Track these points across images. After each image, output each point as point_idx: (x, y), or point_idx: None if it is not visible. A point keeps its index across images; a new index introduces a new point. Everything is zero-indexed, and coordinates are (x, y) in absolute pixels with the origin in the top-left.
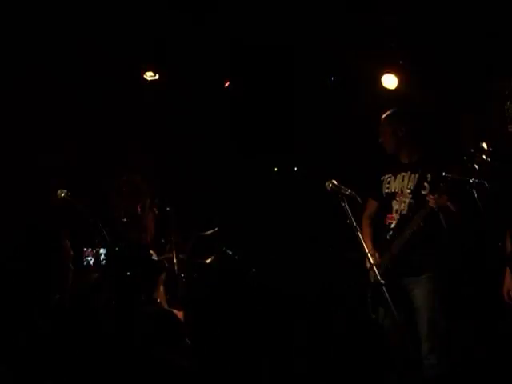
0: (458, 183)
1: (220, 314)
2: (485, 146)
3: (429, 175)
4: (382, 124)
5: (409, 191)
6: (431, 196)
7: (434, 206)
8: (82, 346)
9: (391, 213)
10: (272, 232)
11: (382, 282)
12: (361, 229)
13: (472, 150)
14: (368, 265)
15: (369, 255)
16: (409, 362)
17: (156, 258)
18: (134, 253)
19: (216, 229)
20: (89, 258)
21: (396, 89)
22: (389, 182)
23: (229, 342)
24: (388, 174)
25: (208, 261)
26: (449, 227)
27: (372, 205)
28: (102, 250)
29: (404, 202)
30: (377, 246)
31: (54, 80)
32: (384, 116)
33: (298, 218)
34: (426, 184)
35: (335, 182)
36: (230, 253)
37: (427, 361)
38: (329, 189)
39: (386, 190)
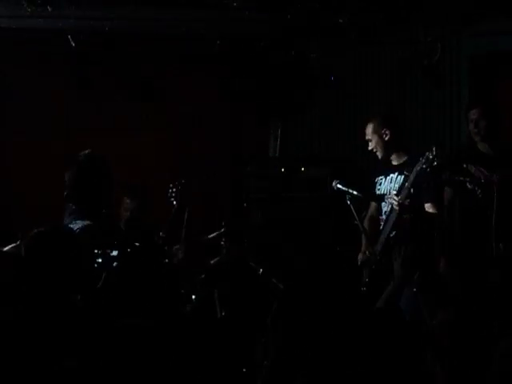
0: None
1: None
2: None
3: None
4: (367, 133)
5: (394, 192)
6: (395, 198)
7: (396, 209)
8: None
9: (381, 215)
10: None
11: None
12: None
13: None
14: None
15: (360, 254)
16: None
17: None
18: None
19: (222, 230)
20: (99, 260)
21: None
22: (380, 184)
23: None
24: (380, 175)
25: (213, 261)
26: (422, 229)
27: (372, 206)
28: (114, 252)
29: (391, 203)
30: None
31: None
32: (368, 125)
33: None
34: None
35: (339, 184)
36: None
37: None
38: (335, 188)
39: (378, 192)
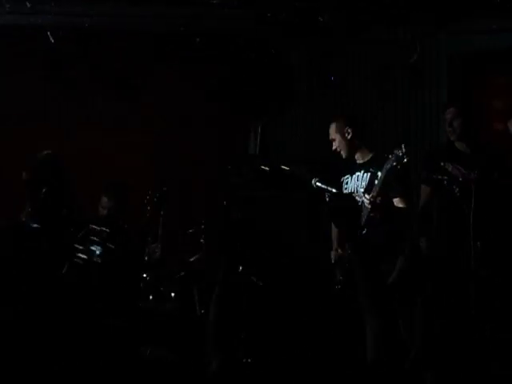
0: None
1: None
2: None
3: (379, 173)
4: (331, 133)
5: (362, 190)
6: (366, 196)
7: (368, 206)
8: None
9: None
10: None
11: (341, 278)
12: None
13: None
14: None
15: (332, 252)
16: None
17: None
18: None
19: (202, 227)
20: (81, 256)
21: None
22: (346, 183)
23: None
24: (346, 174)
25: (192, 259)
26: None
27: None
28: (95, 248)
29: (358, 201)
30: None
31: None
32: (331, 125)
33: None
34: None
35: (318, 182)
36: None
37: None
38: (315, 186)
39: (345, 191)
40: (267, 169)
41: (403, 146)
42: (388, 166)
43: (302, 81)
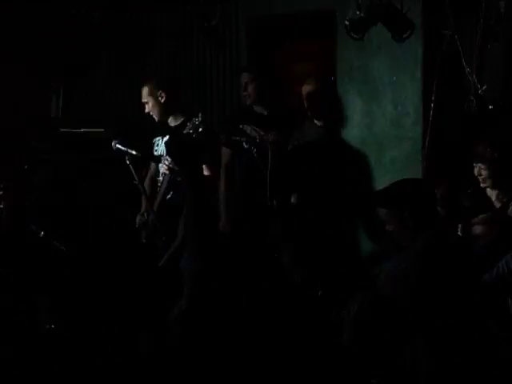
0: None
1: None
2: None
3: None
4: (143, 96)
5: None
6: (165, 161)
7: (167, 172)
8: None
9: (159, 176)
10: None
11: (144, 240)
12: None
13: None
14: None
15: (138, 215)
16: None
17: None
18: None
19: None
20: None
21: None
22: (157, 145)
23: None
24: (157, 136)
25: None
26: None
27: (152, 167)
28: None
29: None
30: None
31: None
32: (143, 88)
33: None
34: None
35: (118, 144)
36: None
37: None
38: (115, 148)
39: (155, 153)
40: None
41: (200, 115)
42: (185, 132)
43: (109, 42)
